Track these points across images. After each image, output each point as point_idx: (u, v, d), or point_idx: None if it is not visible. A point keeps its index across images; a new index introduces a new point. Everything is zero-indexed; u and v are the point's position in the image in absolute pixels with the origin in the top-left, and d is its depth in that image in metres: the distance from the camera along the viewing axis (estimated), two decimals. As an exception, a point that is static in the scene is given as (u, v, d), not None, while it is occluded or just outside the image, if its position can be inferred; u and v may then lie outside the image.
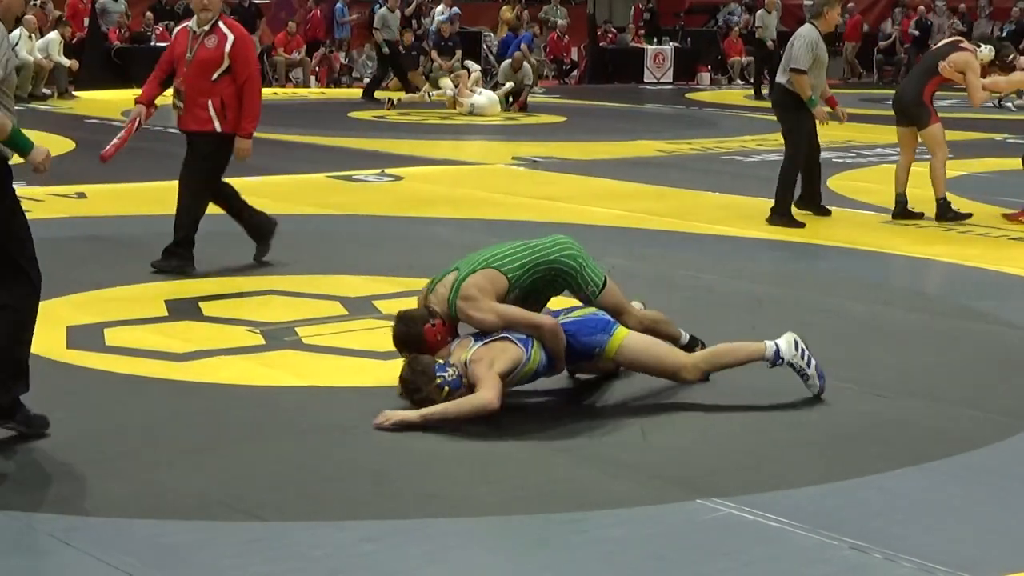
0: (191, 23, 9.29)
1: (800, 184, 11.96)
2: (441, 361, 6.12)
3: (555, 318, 6.35)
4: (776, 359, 6.47)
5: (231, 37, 9.09)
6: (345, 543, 4.72)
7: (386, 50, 24.79)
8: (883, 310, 8.69)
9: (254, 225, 9.58)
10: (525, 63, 24.16)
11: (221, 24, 9.14)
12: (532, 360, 6.19)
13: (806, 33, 11.69)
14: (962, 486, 5.50)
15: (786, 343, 6.48)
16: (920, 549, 4.74)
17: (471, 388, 6.03)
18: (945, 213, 11.91)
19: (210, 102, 9.05)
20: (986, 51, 12.04)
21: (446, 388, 6.01)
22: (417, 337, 6.24)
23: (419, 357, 6.13)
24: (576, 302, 6.63)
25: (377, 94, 24.25)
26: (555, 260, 6.52)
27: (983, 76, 12.07)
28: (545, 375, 6.35)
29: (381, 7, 24.99)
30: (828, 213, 12.05)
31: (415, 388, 6.03)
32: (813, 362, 6.49)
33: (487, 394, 5.92)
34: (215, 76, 9.05)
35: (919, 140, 12.11)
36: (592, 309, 6.49)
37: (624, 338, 6.38)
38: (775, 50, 25.55)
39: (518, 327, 6.19)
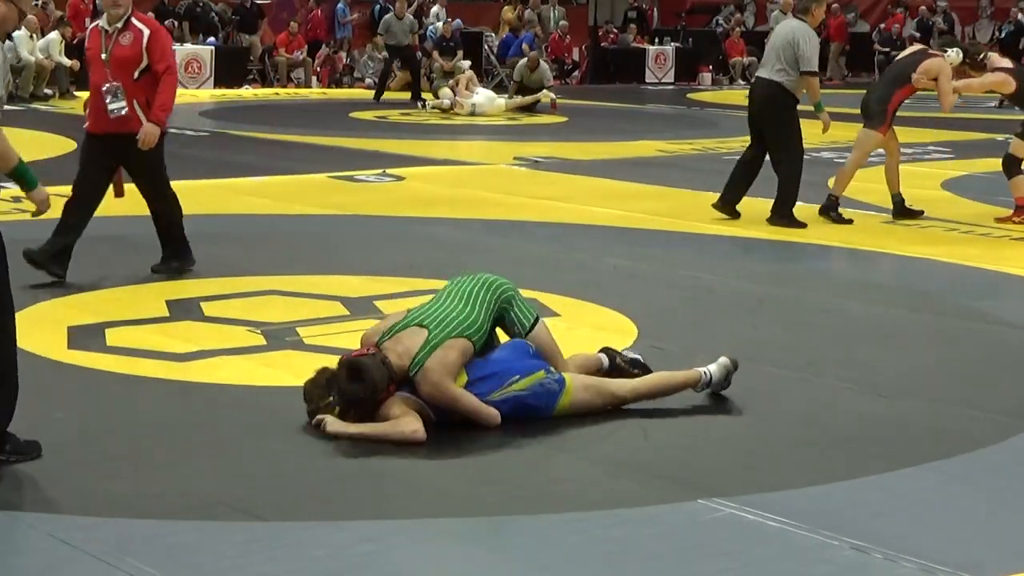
0: (102, 21, 8.92)
1: (733, 180, 11.93)
2: None
3: (500, 387, 6.01)
4: (706, 387, 6.47)
5: (146, 32, 8.76)
6: (346, 543, 4.72)
7: (385, 54, 24.81)
8: (883, 310, 8.69)
9: (60, 247, 8.81)
10: (541, 62, 24.15)
11: (135, 20, 8.79)
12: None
13: (806, 31, 11.64)
14: (963, 486, 5.51)
15: (719, 370, 6.49)
16: (921, 549, 4.74)
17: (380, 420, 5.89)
18: (829, 210, 11.91)
19: (135, 102, 8.72)
20: (953, 54, 12.04)
21: (336, 408, 5.88)
22: (369, 403, 5.86)
23: (324, 368, 6.00)
24: (524, 361, 6.20)
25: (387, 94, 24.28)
26: (501, 299, 6.27)
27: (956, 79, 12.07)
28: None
29: (387, 13, 24.98)
30: (738, 216, 11.90)
31: (308, 399, 5.95)
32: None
33: (413, 425, 5.76)
34: (136, 75, 8.72)
35: (897, 139, 12.15)
36: (539, 376, 6.09)
37: (568, 404, 6.12)
38: None
39: (462, 413, 5.96)
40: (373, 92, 24.87)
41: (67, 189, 12.50)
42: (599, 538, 4.82)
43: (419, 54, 26.31)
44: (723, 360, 6.51)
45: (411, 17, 24.90)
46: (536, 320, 6.38)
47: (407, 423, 5.78)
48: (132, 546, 4.61)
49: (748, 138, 12.28)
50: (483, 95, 22.84)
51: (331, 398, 5.86)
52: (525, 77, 23.88)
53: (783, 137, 11.76)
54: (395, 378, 5.88)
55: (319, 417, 5.84)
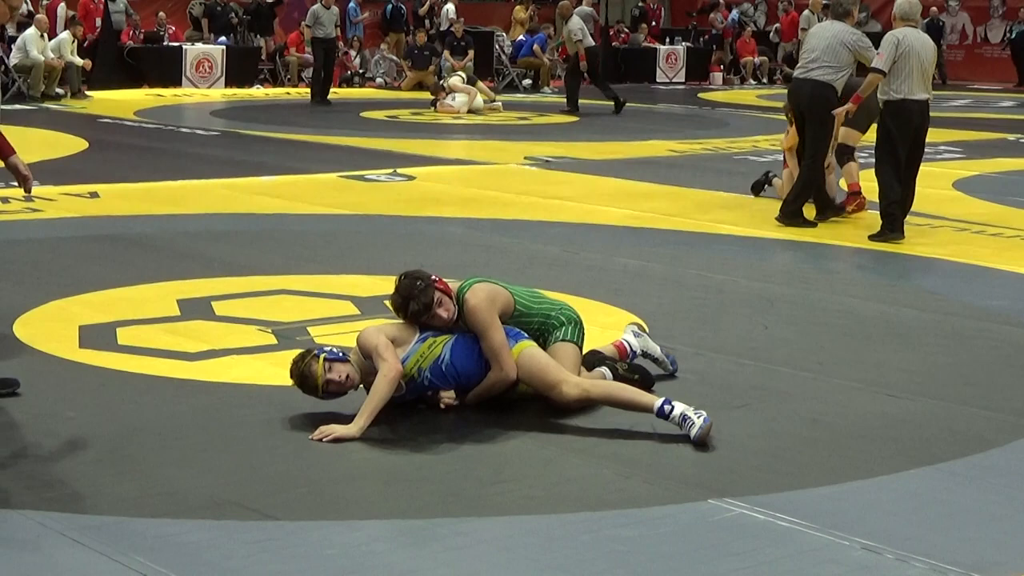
0: None
1: (817, 191, 11.94)
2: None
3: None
4: (664, 415, 5.90)
5: None
6: (357, 543, 4.72)
7: (308, 49, 24.26)
8: (895, 310, 8.68)
9: None
10: (574, 15, 24.05)
11: None
12: (429, 349, 6.11)
13: (859, 34, 11.65)
14: (975, 486, 5.50)
15: (681, 408, 5.91)
16: (932, 550, 4.74)
17: (367, 370, 6.05)
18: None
19: None
20: None
21: (322, 356, 6.06)
22: (423, 295, 6.08)
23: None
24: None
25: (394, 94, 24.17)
26: (550, 316, 6.42)
27: None
28: (452, 382, 6.19)
29: (398, 11, 24.75)
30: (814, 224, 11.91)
31: (294, 364, 6.11)
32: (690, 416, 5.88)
33: (385, 365, 5.93)
34: None
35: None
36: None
37: (520, 352, 6.17)
38: None
39: (488, 346, 6.09)
40: (385, 91, 24.84)
41: (80, 188, 12.58)
42: (610, 538, 4.82)
43: (427, 52, 26.22)
44: (633, 327, 6.36)
45: (336, 7, 24.22)
46: (573, 340, 6.42)
47: (382, 368, 5.92)
48: (143, 545, 4.62)
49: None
50: (460, 99, 22.75)
51: (314, 351, 6.11)
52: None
53: (821, 137, 11.69)
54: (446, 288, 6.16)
55: (321, 428, 5.85)
